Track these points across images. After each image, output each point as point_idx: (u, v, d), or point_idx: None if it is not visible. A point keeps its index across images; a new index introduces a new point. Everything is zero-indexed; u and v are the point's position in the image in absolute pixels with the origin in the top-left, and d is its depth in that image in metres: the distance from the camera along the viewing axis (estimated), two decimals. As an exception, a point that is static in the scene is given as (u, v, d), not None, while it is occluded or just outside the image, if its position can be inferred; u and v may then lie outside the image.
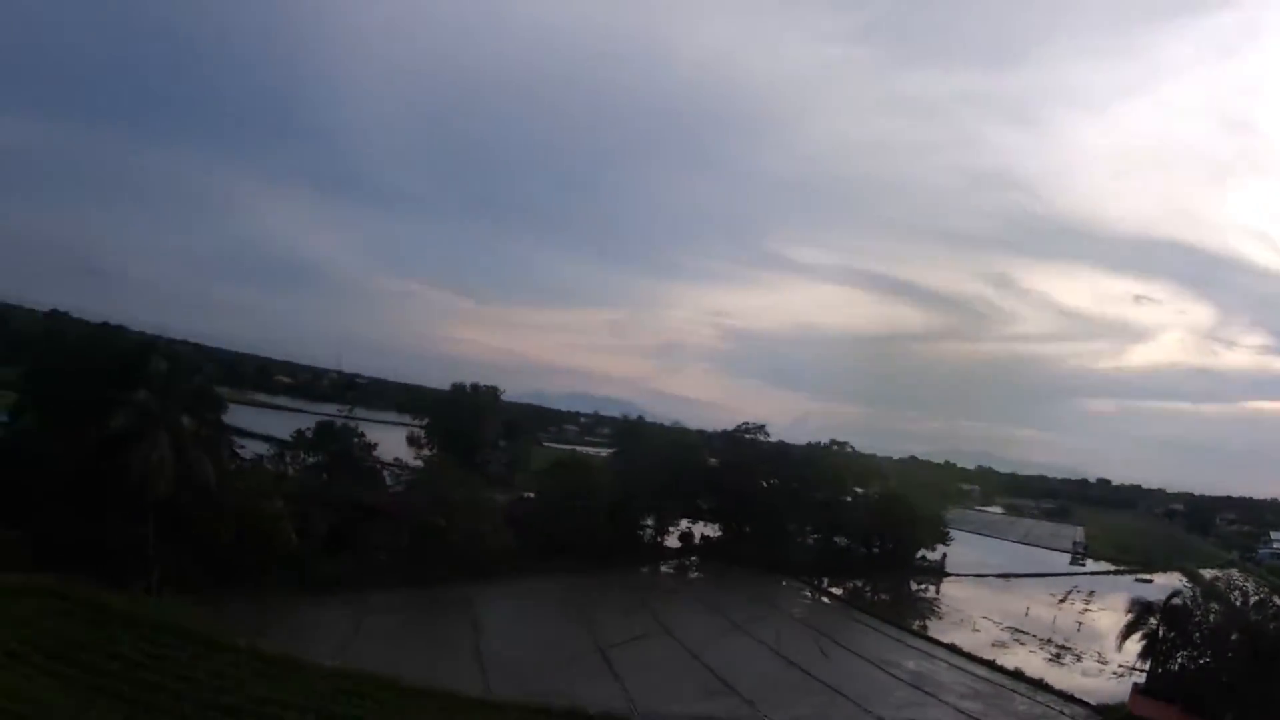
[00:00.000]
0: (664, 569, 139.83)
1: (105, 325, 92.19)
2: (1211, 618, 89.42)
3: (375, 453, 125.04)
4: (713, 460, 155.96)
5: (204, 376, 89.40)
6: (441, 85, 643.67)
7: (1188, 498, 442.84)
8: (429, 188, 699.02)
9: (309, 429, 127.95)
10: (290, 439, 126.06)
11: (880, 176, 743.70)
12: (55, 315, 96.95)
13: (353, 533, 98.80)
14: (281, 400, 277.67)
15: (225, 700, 53.26)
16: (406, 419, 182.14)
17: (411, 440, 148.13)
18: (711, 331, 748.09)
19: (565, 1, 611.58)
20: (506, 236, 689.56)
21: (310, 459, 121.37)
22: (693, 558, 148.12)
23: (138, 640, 62.05)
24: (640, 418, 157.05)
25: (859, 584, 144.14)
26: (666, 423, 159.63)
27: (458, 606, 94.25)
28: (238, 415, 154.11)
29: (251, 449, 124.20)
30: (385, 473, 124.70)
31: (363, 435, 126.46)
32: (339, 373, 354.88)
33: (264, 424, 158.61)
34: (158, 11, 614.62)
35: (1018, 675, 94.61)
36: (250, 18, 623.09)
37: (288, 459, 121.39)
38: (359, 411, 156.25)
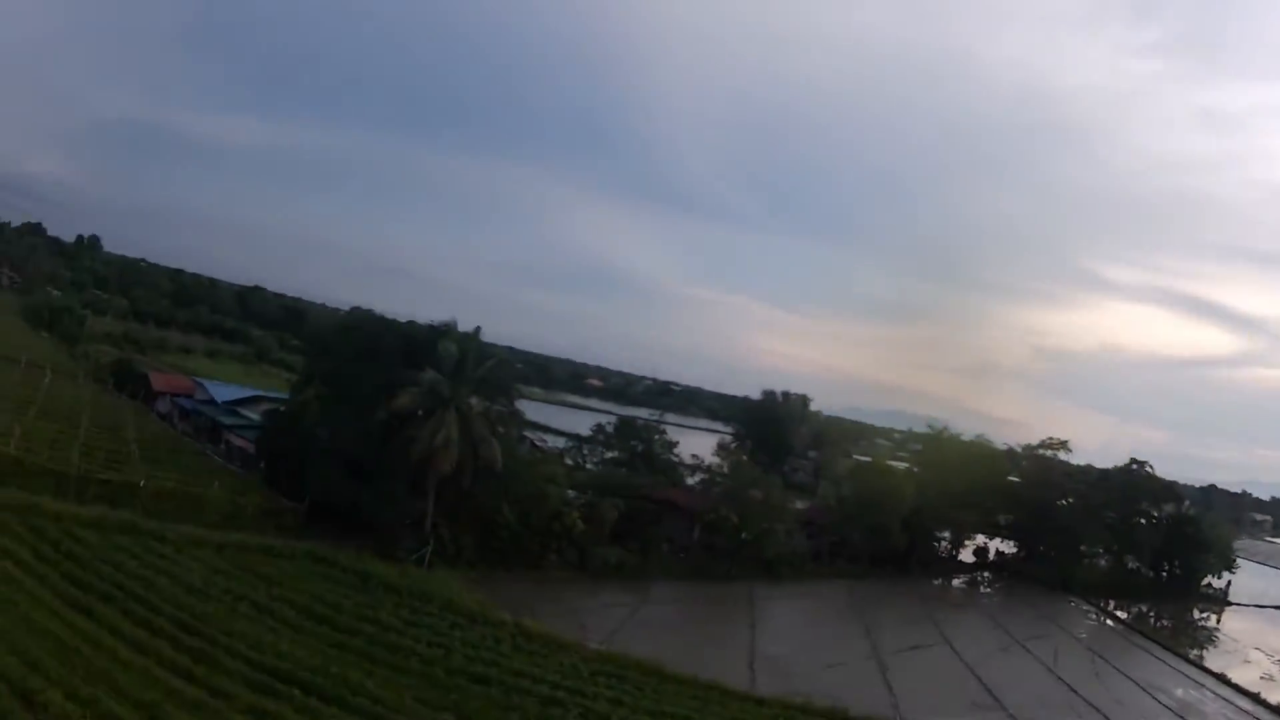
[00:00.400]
0: (955, 582, 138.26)
1: (412, 322, 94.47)
2: None
3: (675, 451, 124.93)
4: (1013, 477, 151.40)
5: (498, 363, 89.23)
6: (756, 98, 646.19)
7: None
8: (745, 200, 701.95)
9: (609, 424, 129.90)
10: (589, 433, 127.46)
11: (1184, 191, 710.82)
12: (356, 310, 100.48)
13: (641, 524, 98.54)
14: (593, 402, 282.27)
15: (476, 669, 53.42)
16: (718, 425, 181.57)
17: (721, 447, 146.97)
18: (1024, 351, 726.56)
19: (870, 15, 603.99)
20: (823, 249, 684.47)
21: (609, 453, 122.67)
22: (985, 573, 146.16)
23: (398, 607, 63.69)
24: (945, 428, 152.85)
25: (1143, 608, 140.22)
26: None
27: (739, 603, 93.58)
28: (548, 414, 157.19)
29: (557, 445, 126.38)
30: (683, 471, 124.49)
31: (664, 433, 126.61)
32: (654, 380, 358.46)
33: (573, 423, 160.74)
34: (482, 29, 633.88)
35: (1279, 711, 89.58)
36: (573, 33, 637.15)
37: (585, 451, 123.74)
38: (670, 417, 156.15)
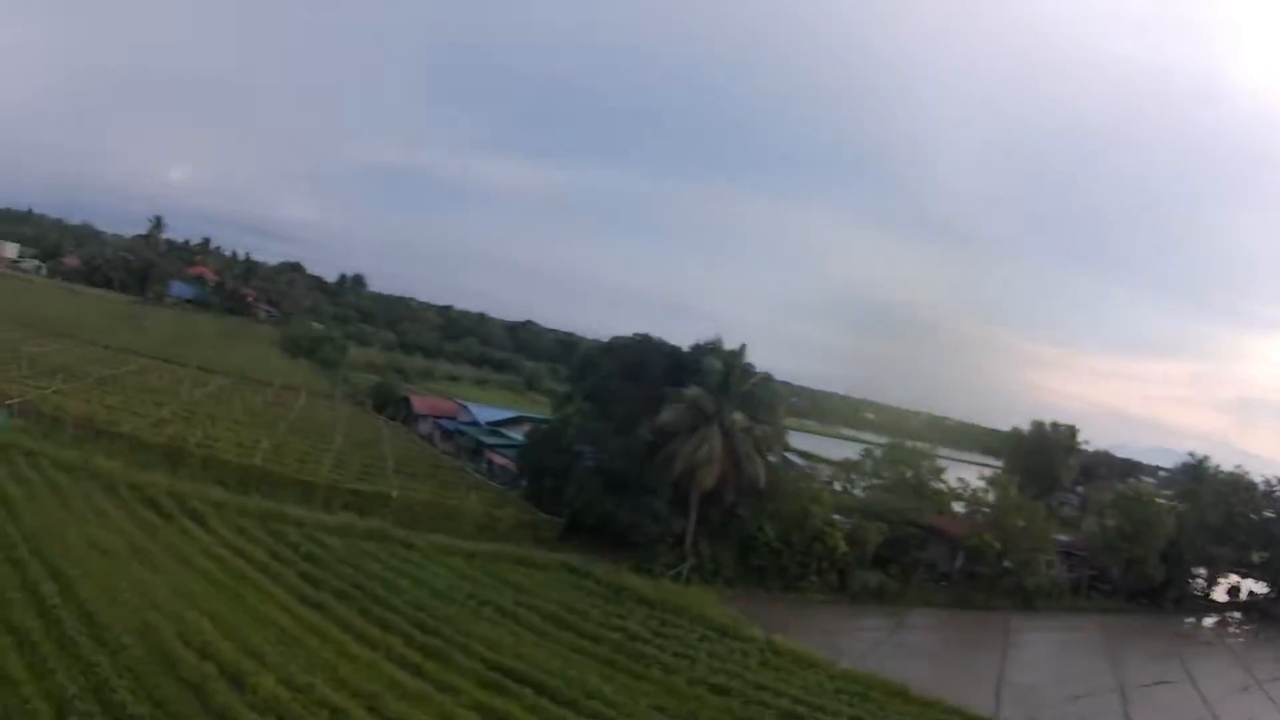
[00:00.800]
0: (1207, 620, 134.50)
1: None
2: None
3: (942, 478, 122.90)
4: (1268, 512, 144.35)
5: (762, 381, 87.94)
6: (1018, 126, 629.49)
7: None
8: (1011, 231, 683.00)
9: (878, 449, 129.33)
10: (858, 458, 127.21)
11: None
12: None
13: (904, 549, 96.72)
14: (867, 435, 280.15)
15: (718, 680, 52.88)
16: (990, 460, 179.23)
17: (991, 481, 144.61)
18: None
19: (1126, 43, 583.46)
20: (1087, 281, 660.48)
21: (876, 480, 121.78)
22: (1236, 613, 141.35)
23: (647, 618, 63.93)
24: (1204, 459, 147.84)
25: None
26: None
27: (994, 631, 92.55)
28: (823, 446, 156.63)
29: (827, 473, 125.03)
30: (949, 498, 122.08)
31: (932, 459, 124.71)
32: (928, 414, 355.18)
33: (846, 454, 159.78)
34: (757, 70, 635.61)
35: None
36: (850, 70, 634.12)
37: (853, 477, 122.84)
38: (943, 451, 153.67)
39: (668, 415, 78.96)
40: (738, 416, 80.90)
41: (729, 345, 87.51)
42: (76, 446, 73.92)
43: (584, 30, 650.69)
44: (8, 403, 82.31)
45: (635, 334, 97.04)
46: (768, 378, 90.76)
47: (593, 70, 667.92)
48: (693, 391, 79.94)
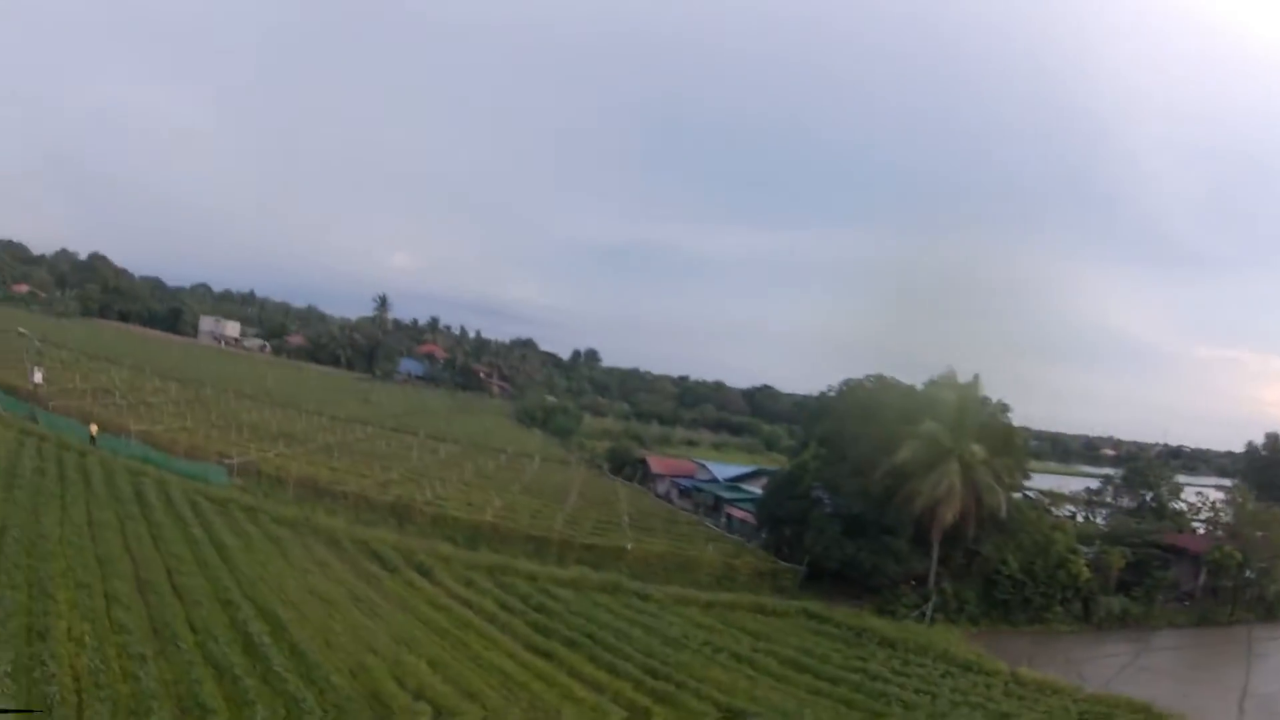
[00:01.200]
0: None
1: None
2: None
3: (1181, 496, 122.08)
4: None
5: (998, 411, 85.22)
6: (1229, 134, 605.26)
7: None
8: (1233, 246, 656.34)
9: (1118, 474, 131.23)
10: (1099, 484, 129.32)
11: None
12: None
13: (1147, 572, 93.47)
14: (1106, 470, 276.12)
15: (960, 713, 51.97)
16: (1226, 483, 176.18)
17: (1228, 494, 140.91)
18: None
19: None
20: None
21: (1117, 505, 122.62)
22: None
23: (889, 659, 63.03)
24: None
25: None
26: None
27: (1237, 645, 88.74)
28: (1062, 483, 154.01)
29: (1069, 510, 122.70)
30: (1190, 517, 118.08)
31: (1171, 478, 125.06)
32: (1164, 444, 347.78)
33: (1087, 488, 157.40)
34: (954, 112, 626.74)
35: None
36: (1053, 98, 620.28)
37: (1093, 506, 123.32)
38: (1181, 477, 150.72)
39: (904, 453, 76.29)
40: (976, 449, 78.29)
41: (963, 379, 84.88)
42: (297, 504, 76.00)
43: (804, 93, 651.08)
44: (225, 461, 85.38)
45: (867, 375, 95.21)
46: (1004, 407, 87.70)
47: (807, 134, 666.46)
48: (928, 427, 77.44)
